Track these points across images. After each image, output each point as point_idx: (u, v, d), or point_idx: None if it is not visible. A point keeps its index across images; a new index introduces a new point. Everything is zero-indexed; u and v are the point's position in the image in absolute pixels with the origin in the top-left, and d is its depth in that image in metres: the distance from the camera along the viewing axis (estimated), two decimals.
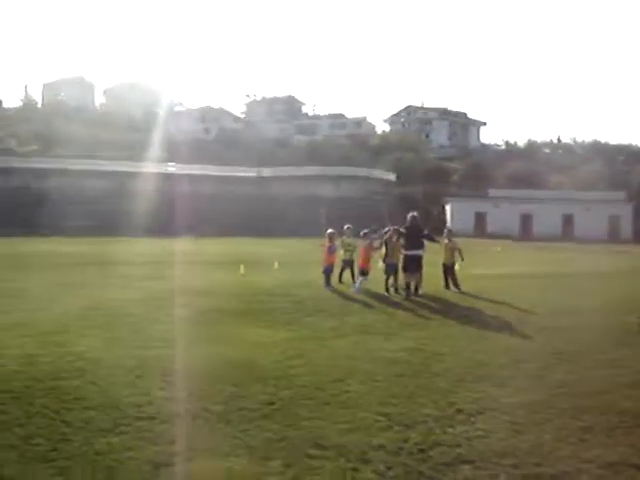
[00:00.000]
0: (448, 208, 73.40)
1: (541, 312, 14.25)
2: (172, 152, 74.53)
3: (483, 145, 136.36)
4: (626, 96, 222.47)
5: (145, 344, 10.02)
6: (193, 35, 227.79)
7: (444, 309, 14.61)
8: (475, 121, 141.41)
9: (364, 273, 17.08)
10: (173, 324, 11.81)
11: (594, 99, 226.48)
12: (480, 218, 70.05)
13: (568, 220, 70.65)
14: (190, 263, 25.51)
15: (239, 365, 8.82)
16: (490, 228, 68.02)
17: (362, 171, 73.03)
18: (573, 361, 9.75)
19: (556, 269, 26.48)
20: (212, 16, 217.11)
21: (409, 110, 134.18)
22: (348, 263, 18.27)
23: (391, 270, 16.78)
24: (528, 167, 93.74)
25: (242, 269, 21.06)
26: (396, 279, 16.84)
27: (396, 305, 14.91)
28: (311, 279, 19.02)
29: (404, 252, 16.67)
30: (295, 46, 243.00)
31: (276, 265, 23.30)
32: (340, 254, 18.34)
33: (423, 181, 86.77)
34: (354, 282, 17.66)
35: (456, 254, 18.21)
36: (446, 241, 18.32)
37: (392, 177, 77.67)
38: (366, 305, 14.74)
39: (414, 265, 16.50)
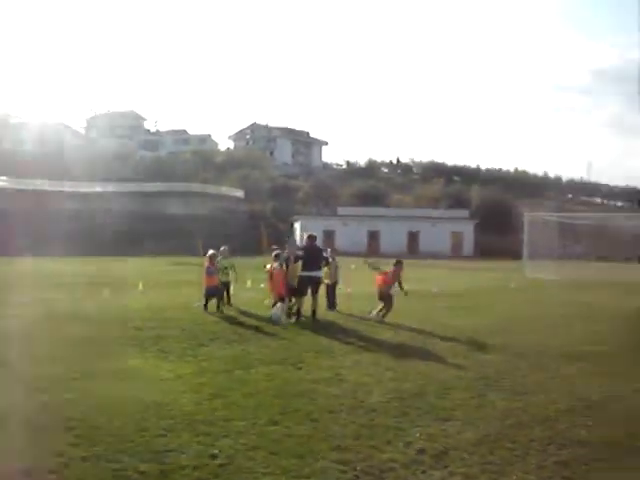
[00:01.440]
0: (297, 226, 73.33)
1: (442, 333, 13.83)
2: (7, 166, 69.88)
3: (325, 164, 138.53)
4: (459, 119, 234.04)
5: (26, 387, 8.53)
6: (30, 46, 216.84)
7: (342, 333, 13.85)
8: (317, 140, 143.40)
9: (282, 299, 15.76)
10: (48, 359, 10.28)
11: (431, 121, 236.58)
12: (329, 236, 70.33)
13: (413, 236, 72.62)
14: (42, 286, 23.26)
15: (154, 408, 7.57)
16: (338, 245, 68.44)
17: (211, 188, 71.56)
18: (502, 387, 9.26)
19: (424, 286, 26.49)
20: (50, 26, 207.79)
21: (253, 128, 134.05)
22: (224, 286, 17.24)
23: (290, 292, 15.81)
24: (371, 186, 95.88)
25: (106, 292, 19.41)
26: (294, 301, 15.92)
27: (291, 330, 14.01)
28: (185, 301, 17.92)
29: (301, 273, 15.73)
30: (136, 60, 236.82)
31: (140, 286, 21.75)
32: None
33: (270, 198, 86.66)
34: (219, 307, 16.52)
35: (339, 273, 17.81)
36: (331, 260, 17.69)
37: (240, 194, 76.77)
38: (259, 331, 13.74)
39: (312, 287, 15.68)
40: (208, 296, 16.50)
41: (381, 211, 76.78)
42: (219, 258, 17.34)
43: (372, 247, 69.81)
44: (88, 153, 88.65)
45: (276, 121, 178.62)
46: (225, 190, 74.61)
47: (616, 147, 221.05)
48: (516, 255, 67.35)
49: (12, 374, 9.22)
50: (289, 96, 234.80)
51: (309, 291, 15.72)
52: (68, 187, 65.76)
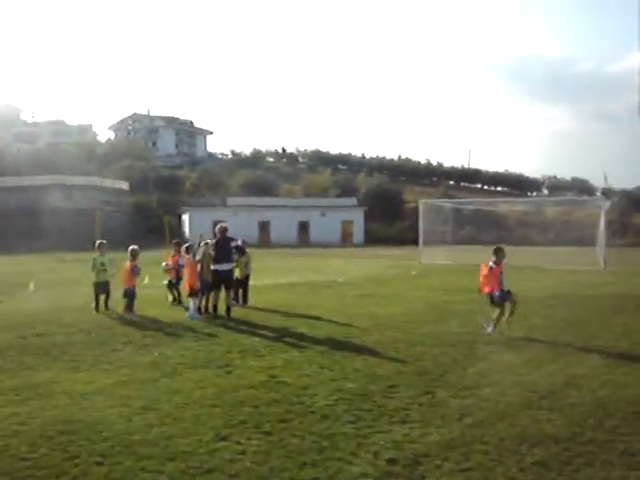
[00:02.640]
0: (186, 217, 71.74)
1: (362, 325, 13.36)
2: None
3: (210, 154, 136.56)
4: (343, 109, 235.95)
5: None
6: None
7: (261, 329, 13.14)
8: (202, 130, 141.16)
9: (195, 294, 14.93)
10: None
11: (315, 111, 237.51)
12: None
13: (304, 226, 72.42)
14: None
15: (83, 430, 6.63)
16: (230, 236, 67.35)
17: (94, 180, 68.76)
18: (446, 382, 8.83)
19: (327, 277, 26.17)
20: None
21: (135, 118, 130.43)
22: (102, 287, 15.57)
23: (206, 288, 14.95)
24: (258, 176, 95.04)
25: None
26: (209, 298, 15.04)
27: (206, 329, 13.16)
28: (82, 302, 16.69)
29: (213, 267, 14.89)
30: (9, 47, 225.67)
31: (32, 287, 20.29)
32: (92, 277, 15.77)
33: (156, 190, 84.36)
34: (107, 307, 15.40)
35: (250, 267, 17.02)
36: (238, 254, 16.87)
37: (125, 186, 74.22)
38: (171, 332, 12.82)
39: (225, 282, 14.89)
40: (129, 297, 15.39)
41: (271, 201, 76.19)
42: (96, 255, 15.85)
43: (263, 238, 69.13)
44: None
45: (158, 110, 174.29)
46: (109, 182, 71.87)
47: (495, 135, 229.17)
48: (404, 242, 68.55)
49: None
50: (171, 84, 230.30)
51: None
52: None
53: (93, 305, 15.40)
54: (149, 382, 8.71)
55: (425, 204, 39.28)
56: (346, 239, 71.34)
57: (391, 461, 5.91)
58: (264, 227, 71.43)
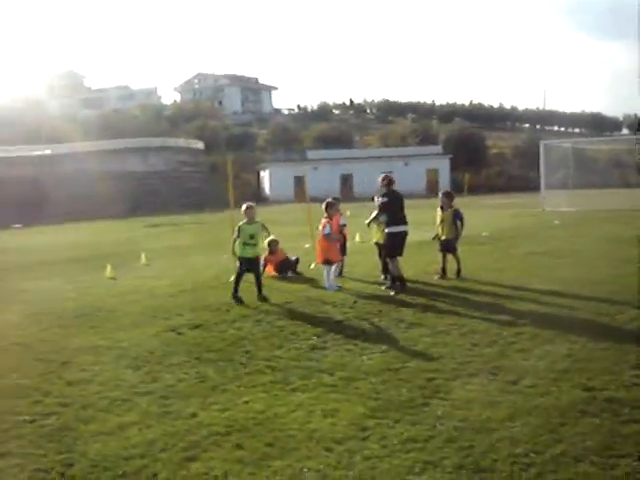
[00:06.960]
0: (265, 174, 69.08)
1: (595, 295, 10.14)
2: None
3: (276, 109, 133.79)
4: (410, 55, 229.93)
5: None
6: None
7: (470, 305, 10.03)
8: (266, 86, 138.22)
9: (329, 262, 12.07)
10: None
11: (378, 60, 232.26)
12: (300, 182, 66.04)
13: None
14: (18, 266, 18.81)
15: None
16: (310, 191, 64.46)
17: (169, 141, 66.18)
18: None
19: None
20: None
21: (199, 77, 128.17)
22: (250, 263, 11.62)
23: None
24: (333, 128, 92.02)
25: (109, 270, 15.25)
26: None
27: (398, 308, 10.14)
28: (211, 277, 13.99)
29: (388, 229, 11.83)
30: (70, 15, 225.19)
31: (143, 259, 17.63)
32: (236, 249, 11.71)
33: (229, 148, 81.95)
34: (260, 294, 11.37)
35: (458, 224, 13.11)
36: (441, 209, 13.37)
37: (200, 145, 71.55)
38: (366, 315, 9.76)
39: (403, 245, 11.85)
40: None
41: (352, 152, 72.84)
42: (241, 223, 11.75)
43: (345, 191, 65.97)
44: (27, 116, 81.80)
45: (222, 69, 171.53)
46: (183, 142, 69.16)
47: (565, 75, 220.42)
48: (493, 189, 64.44)
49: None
50: (233, 42, 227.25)
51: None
52: (13, 152, 59.49)
53: (232, 290, 11.39)
54: (416, 408, 5.73)
55: (546, 146, 35.24)
56: (432, 189, 67.70)
57: None
58: (346, 180, 68.21)
